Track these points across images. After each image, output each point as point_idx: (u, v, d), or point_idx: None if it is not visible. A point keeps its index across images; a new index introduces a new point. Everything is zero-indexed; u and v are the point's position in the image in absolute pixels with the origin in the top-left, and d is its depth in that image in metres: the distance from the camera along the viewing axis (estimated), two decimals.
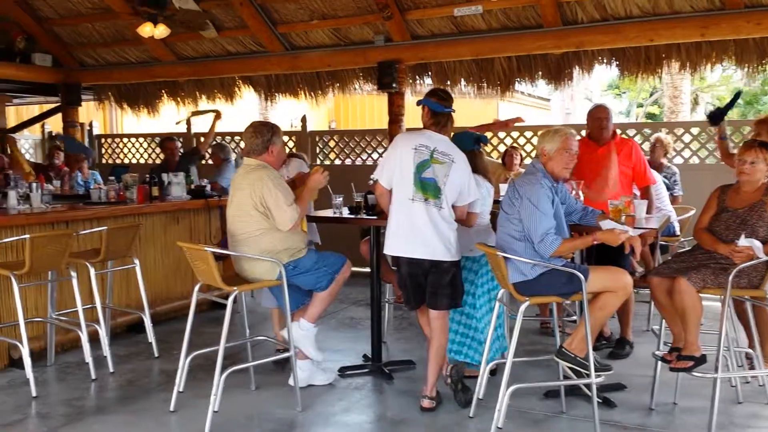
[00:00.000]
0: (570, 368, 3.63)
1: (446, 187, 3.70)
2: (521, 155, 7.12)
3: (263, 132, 3.96)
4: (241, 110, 10.33)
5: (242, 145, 5.56)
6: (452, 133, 3.93)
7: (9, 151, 9.13)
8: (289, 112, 14.47)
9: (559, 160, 3.61)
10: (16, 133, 11.29)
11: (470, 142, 4.17)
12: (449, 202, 3.74)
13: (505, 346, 4.20)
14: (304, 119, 9.46)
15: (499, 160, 7.28)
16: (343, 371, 4.51)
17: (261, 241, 3.88)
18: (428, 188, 3.69)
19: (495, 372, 4.15)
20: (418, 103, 3.91)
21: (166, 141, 7.85)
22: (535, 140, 7.63)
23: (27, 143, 11.53)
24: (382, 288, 4.81)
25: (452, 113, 3.86)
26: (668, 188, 6.06)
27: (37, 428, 3.71)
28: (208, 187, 6.51)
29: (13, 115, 12.33)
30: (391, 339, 5.29)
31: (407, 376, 4.49)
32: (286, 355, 4.03)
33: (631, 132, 7.40)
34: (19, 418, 3.84)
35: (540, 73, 7.09)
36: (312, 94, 8.19)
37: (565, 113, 19.54)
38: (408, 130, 7.30)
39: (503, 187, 5.90)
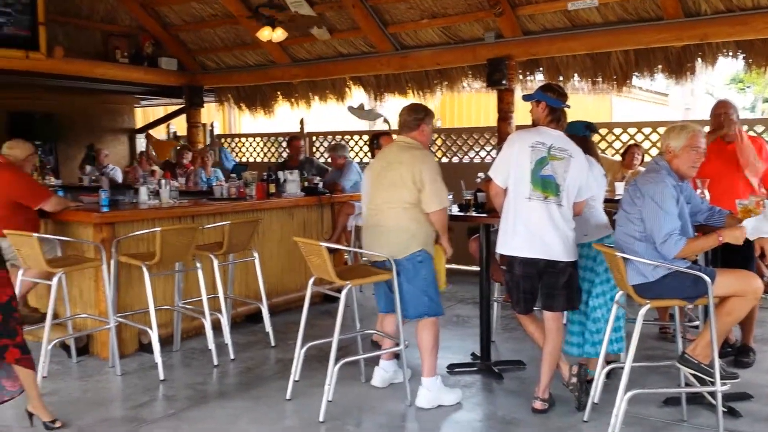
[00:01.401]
0: (693, 375, 3.45)
1: (566, 183, 3.63)
2: (642, 153, 6.83)
3: (418, 110, 4.03)
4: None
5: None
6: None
7: (149, 148, 9.83)
8: (396, 111, 14.64)
9: (686, 158, 3.44)
10: (144, 133, 12.11)
11: (581, 128, 4.12)
12: (570, 199, 3.66)
13: (622, 347, 4.06)
14: (302, 121, 9.74)
15: (617, 157, 7.02)
16: (452, 368, 4.52)
17: (404, 214, 3.85)
18: (548, 186, 3.62)
19: (610, 375, 4.02)
20: (527, 98, 3.85)
21: (292, 139, 8.21)
22: (653, 137, 7.31)
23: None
24: (491, 287, 4.77)
25: (566, 109, 3.78)
26: None
27: (165, 410, 3.95)
28: (320, 185, 6.71)
29: (141, 116, 13.20)
30: (499, 338, 5.25)
31: (517, 376, 4.44)
32: (396, 349, 4.10)
33: (759, 128, 6.93)
34: (148, 399, 4.11)
35: (659, 66, 6.79)
36: (420, 92, 8.24)
37: (684, 108, 18.57)
38: (518, 127, 7.20)
39: (619, 186, 5.71)
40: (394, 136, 4.11)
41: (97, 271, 4.70)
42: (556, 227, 3.62)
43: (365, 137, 9.87)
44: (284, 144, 10.73)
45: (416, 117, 3.98)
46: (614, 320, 3.71)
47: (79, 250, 4.87)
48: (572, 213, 3.70)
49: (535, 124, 3.84)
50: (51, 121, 10.55)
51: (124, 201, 5.43)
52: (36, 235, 4.26)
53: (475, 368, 4.53)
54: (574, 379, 3.79)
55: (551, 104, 3.73)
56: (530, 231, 3.65)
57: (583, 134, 4.06)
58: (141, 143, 11.89)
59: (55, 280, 4.23)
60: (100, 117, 11.42)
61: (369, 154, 8.53)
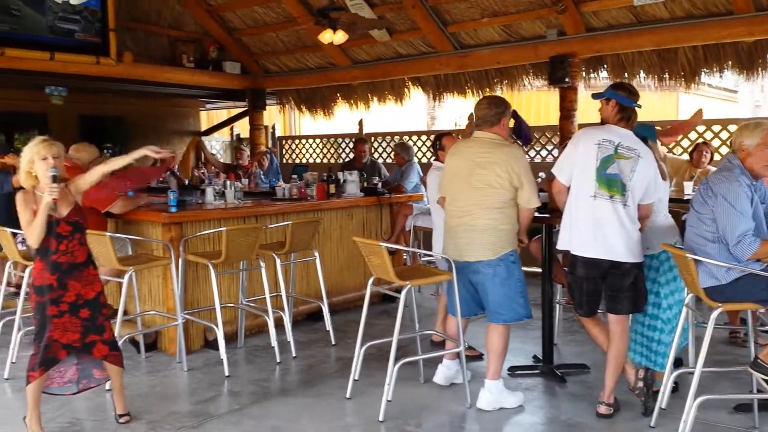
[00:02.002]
0: (765, 381, 3.32)
1: (632, 183, 3.54)
2: (711, 152, 6.60)
3: (498, 104, 3.89)
4: (409, 111, 10.62)
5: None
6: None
7: (199, 153, 10.08)
8: (455, 110, 14.62)
9: (761, 157, 3.31)
10: (209, 135, 12.44)
11: (641, 130, 3.96)
12: (635, 199, 3.57)
13: (685, 341, 3.93)
14: (361, 122, 9.70)
15: (685, 156, 6.81)
16: (513, 371, 4.48)
17: (499, 214, 3.77)
18: (613, 184, 3.55)
19: (677, 387, 3.90)
20: (597, 96, 3.77)
21: (358, 142, 8.28)
22: (723, 135, 7.06)
23: (218, 145, 12.61)
24: (553, 288, 4.70)
25: (637, 108, 3.69)
26: None
27: (230, 405, 4.05)
28: (380, 185, 6.76)
29: (205, 119, 13.55)
30: (562, 341, 5.16)
31: (581, 380, 4.36)
32: (455, 350, 4.08)
33: None
34: (213, 394, 4.22)
35: (729, 62, 6.54)
36: (480, 91, 8.17)
37: (754, 105, 17.84)
38: (580, 125, 7.06)
39: (688, 185, 5.53)
40: (476, 132, 3.92)
41: (166, 270, 4.85)
42: (622, 227, 3.54)
43: (423, 137, 9.88)
44: (343, 145, 10.84)
45: (497, 111, 3.86)
46: (681, 328, 3.60)
47: (149, 248, 5.04)
48: (638, 214, 3.61)
49: (603, 123, 3.76)
50: (120, 124, 10.94)
51: (192, 201, 5.58)
52: (108, 234, 4.43)
53: (537, 371, 4.47)
54: (641, 383, 3.70)
55: (622, 103, 3.65)
56: (594, 230, 3.58)
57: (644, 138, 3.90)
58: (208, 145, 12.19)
59: (126, 277, 4.38)
60: (166, 120, 11.78)
61: (432, 156, 8.50)
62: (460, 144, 4.13)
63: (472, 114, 6.14)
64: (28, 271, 4.59)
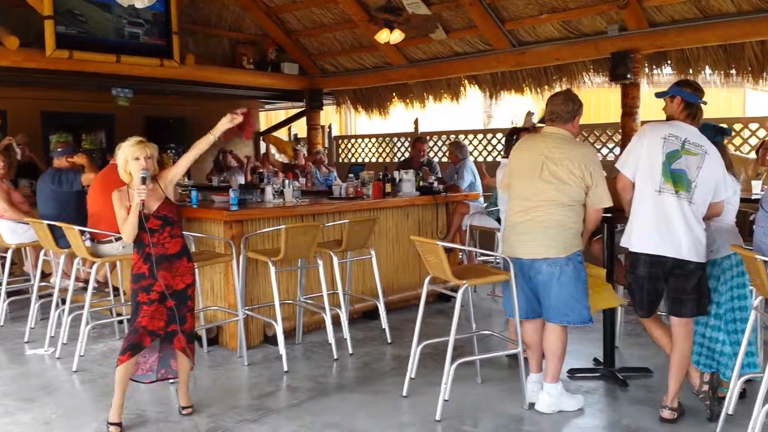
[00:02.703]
0: None
1: (698, 179, 3.45)
2: None
3: (574, 101, 3.79)
4: (465, 109, 10.57)
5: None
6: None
7: (268, 149, 10.27)
8: (511, 108, 14.45)
9: None
10: (267, 135, 12.65)
11: (711, 133, 3.80)
12: (702, 197, 3.47)
13: (754, 362, 3.78)
14: (416, 122, 9.59)
15: (752, 155, 6.56)
16: (573, 373, 4.40)
17: (570, 211, 3.67)
18: (679, 180, 3.45)
19: (744, 394, 3.77)
20: (661, 95, 3.68)
21: (416, 141, 8.31)
22: None
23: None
24: (615, 289, 4.60)
25: (703, 105, 3.59)
26: None
27: (288, 400, 4.12)
28: (435, 184, 6.75)
29: (263, 119, 13.80)
30: (623, 344, 5.04)
31: (644, 383, 4.26)
32: (513, 351, 4.05)
33: None
34: (272, 389, 4.30)
35: None
36: (537, 89, 8.08)
37: None
38: (643, 122, 6.89)
39: (756, 184, 5.33)
40: (547, 128, 3.82)
41: (227, 266, 4.96)
42: (687, 224, 3.44)
43: (480, 136, 9.81)
44: (398, 144, 10.87)
45: (573, 108, 3.76)
46: (750, 334, 3.47)
47: (211, 246, 5.17)
48: (705, 213, 3.50)
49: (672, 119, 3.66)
50: (183, 125, 11.25)
51: (252, 200, 5.70)
52: None
53: (597, 374, 4.39)
54: (706, 387, 3.59)
55: (687, 99, 3.56)
56: (658, 226, 3.49)
57: (713, 141, 3.70)
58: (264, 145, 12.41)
59: None
60: (232, 115, 12.02)
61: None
62: (528, 139, 4.02)
63: (530, 111, 6.06)
64: (95, 267, 4.78)
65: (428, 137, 10.19)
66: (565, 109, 3.75)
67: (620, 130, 7.32)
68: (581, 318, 3.72)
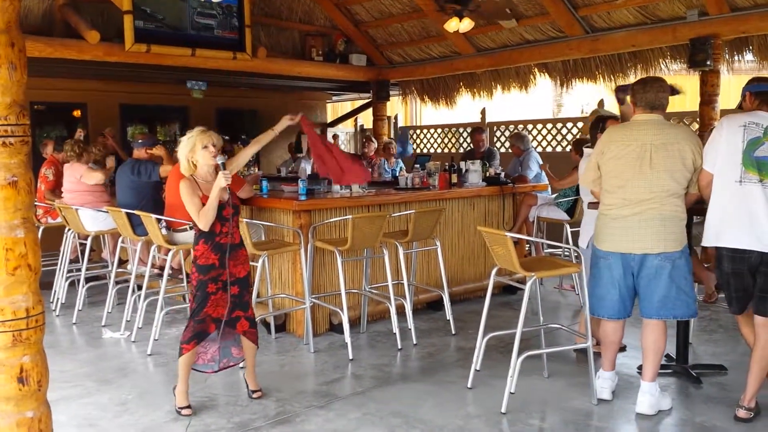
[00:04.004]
0: None
1: None
2: None
3: (666, 88, 3.63)
4: (534, 98, 10.37)
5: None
6: None
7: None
8: (582, 97, 14.09)
9: None
10: (334, 126, 12.79)
11: None
12: None
13: None
14: (483, 111, 9.35)
15: None
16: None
17: (681, 201, 3.51)
18: (764, 167, 3.31)
19: None
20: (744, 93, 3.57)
21: (474, 132, 8.27)
22: None
23: (342, 136, 12.93)
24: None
25: None
26: None
27: (353, 388, 4.16)
28: (502, 175, 6.66)
29: (330, 111, 13.93)
30: (697, 340, 4.87)
31: (718, 381, 4.10)
32: (582, 345, 3.97)
33: None
34: (338, 376, 4.35)
35: None
36: (611, 77, 7.83)
37: None
38: (722, 111, 6.60)
39: None
40: (643, 115, 3.58)
41: (296, 255, 5.05)
42: None
43: (549, 125, 9.61)
44: (465, 134, 10.78)
45: (666, 95, 3.59)
46: None
47: (280, 234, 5.28)
48: None
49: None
50: (254, 117, 11.49)
51: (319, 190, 5.78)
52: (246, 220, 4.67)
53: (670, 370, 4.25)
54: None
55: (755, 91, 3.46)
56: (740, 218, 3.35)
57: None
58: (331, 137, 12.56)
59: (259, 261, 4.62)
60: (297, 112, 12.12)
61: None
62: (623, 128, 3.71)
63: (602, 100, 5.84)
64: (170, 254, 4.95)
65: (495, 127, 10.06)
66: (663, 96, 3.57)
67: (698, 119, 7.03)
68: (690, 311, 3.58)
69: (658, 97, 3.56)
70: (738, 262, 3.41)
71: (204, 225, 3.59)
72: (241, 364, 4.01)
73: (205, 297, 3.65)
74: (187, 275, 5.63)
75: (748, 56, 6.82)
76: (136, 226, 5.34)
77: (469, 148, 10.03)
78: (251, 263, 4.73)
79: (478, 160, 6.61)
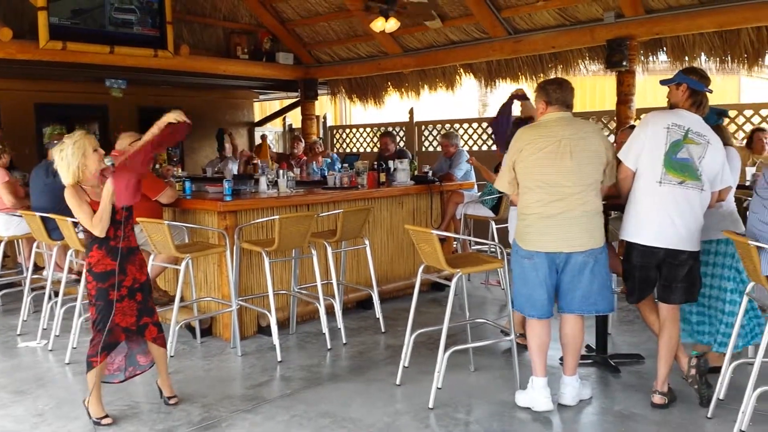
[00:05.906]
0: None
1: (701, 169, 3.45)
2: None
3: (572, 88, 3.66)
4: (460, 98, 10.54)
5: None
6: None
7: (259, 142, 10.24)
8: (506, 97, 14.39)
9: None
10: (262, 126, 12.62)
11: (712, 116, 3.80)
12: (708, 185, 3.48)
13: (749, 342, 3.81)
14: (411, 111, 9.56)
15: (742, 143, 6.56)
16: None
17: (598, 196, 3.53)
18: (686, 170, 3.44)
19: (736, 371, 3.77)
20: (666, 82, 3.66)
21: (383, 136, 8.36)
22: None
23: (270, 135, 12.78)
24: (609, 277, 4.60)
25: (708, 93, 3.57)
26: None
27: (282, 390, 4.11)
28: (430, 174, 6.74)
29: (258, 109, 13.75)
30: (616, 331, 5.05)
31: (636, 370, 4.27)
32: (507, 339, 4.05)
33: None
34: (266, 379, 4.29)
35: None
36: (533, 77, 8.05)
37: None
38: (638, 110, 6.88)
39: (749, 170, 5.33)
40: (558, 113, 3.58)
41: (221, 257, 4.96)
42: (693, 214, 3.45)
43: (474, 125, 9.78)
44: (393, 133, 10.83)
45: (572, 95, 3.63)
46: (743, 317, 3.49)
47: (205, 236, 5.16)
48: (712, 200, 3.52)
49: (672, 108, 3.63)
50: None
51: (246, 190, 5.68)
52: (167, 222, 4.55)
53: (590, 361, 4.39)
54: (693, 371, 3.60)
55: (693, 87, 3.54)
56: (655, 217, 3.48)
57: (715, 123, 3.74)
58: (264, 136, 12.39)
59: (183, 264, 4.50)
60: (222, 111, 12.00)
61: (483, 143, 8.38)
62: (537, 126, 3.65)
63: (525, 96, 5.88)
64: None
65: (423, 126, 10.15)
66: (569, 97, 3.62)
67: (615, 118, 7.30)
68: (610, 305, 3.68)
69: (571, 96, 3.66)
70: (647, 257, 3.55)
71: (100, 231, 3.46)
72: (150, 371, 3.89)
73: (108, 306, 3.50)
74: None
75: (662, 57, 7.13)
76: (52, 230, 5.12)
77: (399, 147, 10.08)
78: (174, 266, 4.63)
79: (407, 159, 6.66)
